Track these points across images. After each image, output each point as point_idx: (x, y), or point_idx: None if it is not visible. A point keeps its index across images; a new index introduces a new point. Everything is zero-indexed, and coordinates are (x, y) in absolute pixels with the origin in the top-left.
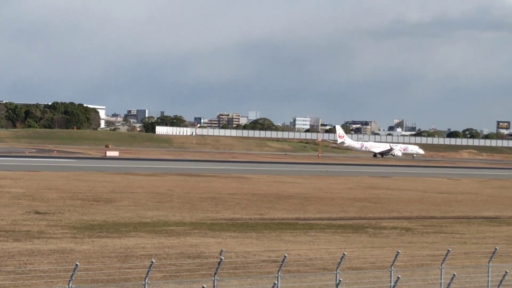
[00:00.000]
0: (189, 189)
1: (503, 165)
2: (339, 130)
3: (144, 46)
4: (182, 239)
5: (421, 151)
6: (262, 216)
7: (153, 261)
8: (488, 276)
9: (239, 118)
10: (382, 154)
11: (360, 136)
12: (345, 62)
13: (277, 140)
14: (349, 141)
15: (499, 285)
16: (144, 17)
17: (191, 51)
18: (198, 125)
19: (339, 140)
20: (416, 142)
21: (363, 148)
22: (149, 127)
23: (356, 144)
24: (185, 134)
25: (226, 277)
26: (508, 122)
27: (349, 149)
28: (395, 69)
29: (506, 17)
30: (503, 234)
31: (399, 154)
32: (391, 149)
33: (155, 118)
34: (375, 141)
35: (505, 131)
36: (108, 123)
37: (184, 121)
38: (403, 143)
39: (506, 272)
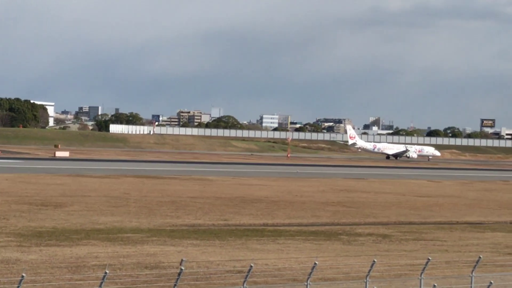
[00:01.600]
0: (147, 192)
1: (487, 166)
2: (350, 130)
3: (97, 37)
4: (138, 247)
5: (437, 153)
6: (226, 222)
7: (107, 272)
8: (471, 287)
9: (201, 116)
10: (396, 156)
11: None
12: (317, 55)
13: (243, 139)
14: (360, 142)
15: None
16: (98, 5)
17: (148, 42)
18: (156, 123)
19: (350, 141)
20: (394, 141)
21: (376, 150)
22: (103, 125)
23: (368, 146)
24: (142, 133)
25: None
26: (493, 120)
27: (360, 150)
28: (371, 62)
29: (492, 5)
30: (487, 241)
31: (414, 156)
32: (405, 151)
33: (109, 116)
34: (386, 142)
35: (490, 130)
36: (57, 121)
37: (141, 119)
38: (418, 144)
39: (491, 282)
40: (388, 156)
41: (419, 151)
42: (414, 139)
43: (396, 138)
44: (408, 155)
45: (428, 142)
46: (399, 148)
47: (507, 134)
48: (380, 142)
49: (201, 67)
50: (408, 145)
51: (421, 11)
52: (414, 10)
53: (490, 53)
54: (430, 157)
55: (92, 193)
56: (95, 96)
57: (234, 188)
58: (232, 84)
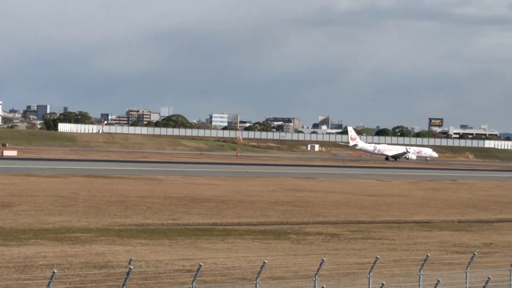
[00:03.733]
0: (96, 192)
1: (435, 166)
2: (351, 132)
3: (46, 35)
4: (87, 247)
5: (435, 154)
6: (175, 221)
7: (55, 271)
8: (419, 285)
9: (150, 115)
10: (396, 157)
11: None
12: (267, 54)
13: (192, 138)
14: (361, 143)
15: None
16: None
17: (97, 41)
18: (105, 122)
19: (351, 143)
20: (343, 140)
21: (376, 151)
22: (51, 124)
23: (369, 147)
24: (90, 131)
25: None
26: (441, 120)
27: (361, 151)
28: (321, 62)
29: (440, 6)
30: (435, 240)
31: (413, 157)
32: (404, 152)
33: (58, 115)
34: (385, 143)
35: (438, 129)
36: (5, 119)
37: (89, 117)
38: (416, 145)
39: (439, 281)
40: (387, 158)
41: (417, 153)
42: (363, 138)
43: (345, 137)
44: (407, 157)
45: (377, 141)
46: (399, 149)
47: (454, 133)
48: (380, 143)
49: (150, 66)
50: (407, 147)
51: (370, 11)
52: (362, 10)
53: (438, 53)
54: (428, 158)
55: (40, 193)
56: (44, 95)
57: (183, 188)
58: (181, 83)
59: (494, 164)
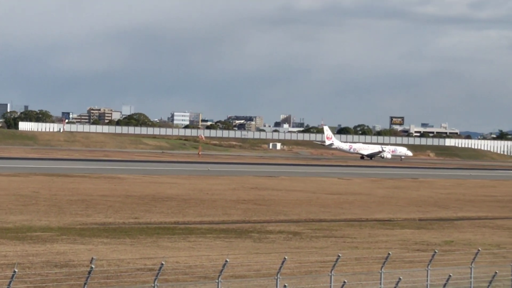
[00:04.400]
0: (57, 191)
1: (396, 164)
2: (327, 131)
3: (5, 32)
4: (48, 246)
5: (410, 153)
6: (137, 220)
7: (16, 270)
8: (380, 283)
9: (111, 113)
10: (371, 156)
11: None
12: (229, 52)
13: (154, 137)
14: (337, 142)
15: None
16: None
17: (58, 39)
18: (66, 120)
19: (327, 142)
20: (304, 139)
21: (352, 150)
22: (12, 122)
23: (344, 146)
24: (51, 130)
25: (97, 287)
26: (402, 118)
27: (337, 150)
28: (282, 60)
29: (401, 5)
30: (396, 238)
31: (389, 156)
32: (380, 152)
33: (18, 113)
34: (363, 142)
35: (399, 127)
36: None
37: (50, 116)
38: (390, 144)
39: (400, 278)
40: (362, 156)
41: (392, 151)
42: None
43: (306, 135)
44: (382, 156)
45: (338, 139)
46: (374, 148)
47: (415, 132)
48: (355, 142)
49: (112, 64)
50: (383, 146)
51: (331, 10)
52: (324, 9)
53: (399, 52)
54: (402, 157)
55: (0, 192)
56: (4, 94)
57: (145, 186)
58: (143, 81)
59: (455, 163)
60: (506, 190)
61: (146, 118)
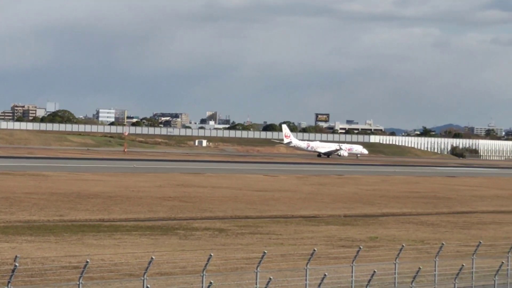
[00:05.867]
0: None
1: (321, 160)
2: (286, 129)
3: None
4: None
5: (365, 151)
6: (62, 217)
7: None
8: (306, 280)
9: (36, 110)
10: (328, 154)
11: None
12: (155, 50)
13: (79, 134)
14: (295, 141)
15: None
16: None
17: None
18: None
19: (286, 140)
20: (230, 136)
21: (309, 148)
22: None
23: (302, 144)
24: None
25: (21, 286)
26: (327, 115)
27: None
28: (209, 57)
29: (327, 3)
30: (321, 234)
31: (345, 154)
32: (337, 149)
33: None
34: (321, 141)
35: (324, 124)
36: None
37: None
38: (346, 142)
39: (325, 275)
40: (319, 154)
41: (349, 150)
42: (251, 133)
43: (232, 132)
44: (339, 154)
45: (265, 137)
46: (331, 146)
47: (341, 129)
48: (313, 140)
49: (36, 61)
50: (340, 144)
51: (258, 7)
52: (251, 6)
53: (325, 49)
54: (358, 155)
55: None
56: None
57: (70, 184)
58: (68, 78)
59: (379, 159)
60: (429, 186)
61: (71, 115)
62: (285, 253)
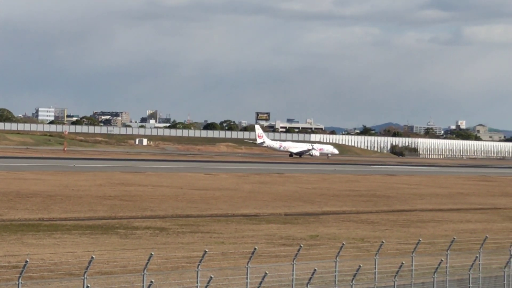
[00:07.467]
0: None
1: (262, 159)
2: (258, 130)
3: None
4: None
5: (336, 151)
6: (0, 217)
7: None
8: (247, 278)
9: None
10: (300, 154)
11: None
12: (94, 47)
13: (18, 132)
14: (268, 141)
15: (258, 287)
16: None
17: None
18: None
19: (259, 140)
20: (171, 134)
21: (281, 148)
22: None
23: (275, 144)
24: None
25: None
26: (268, 113)
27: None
28: (148, 56)
29: (266, 1)
30: (262, 233)
31: (317, 154)
32: (309, 150)
33: None
34: (292, 141)
35: (265, 123)
36: None
37: None
38: (319, 142)
39: (266, 273)
40: (291, 154)
41: (320, 150)
42: (191, 132)
43: (173, 131)
44: (311, 153)
45: (205, 135)
46: (303, 146)
47: (281, 127)
48: (285, 140)
49: None
50: (314, 144)
51: (198, 6)
52: (190, 4)
53: (266, 48)
54: (329, 155)
55: None
56: None
57: (9, 183)
58: (5, 76)
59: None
60: (369, 185)
61: (9, 114)
62: (226, 252)
